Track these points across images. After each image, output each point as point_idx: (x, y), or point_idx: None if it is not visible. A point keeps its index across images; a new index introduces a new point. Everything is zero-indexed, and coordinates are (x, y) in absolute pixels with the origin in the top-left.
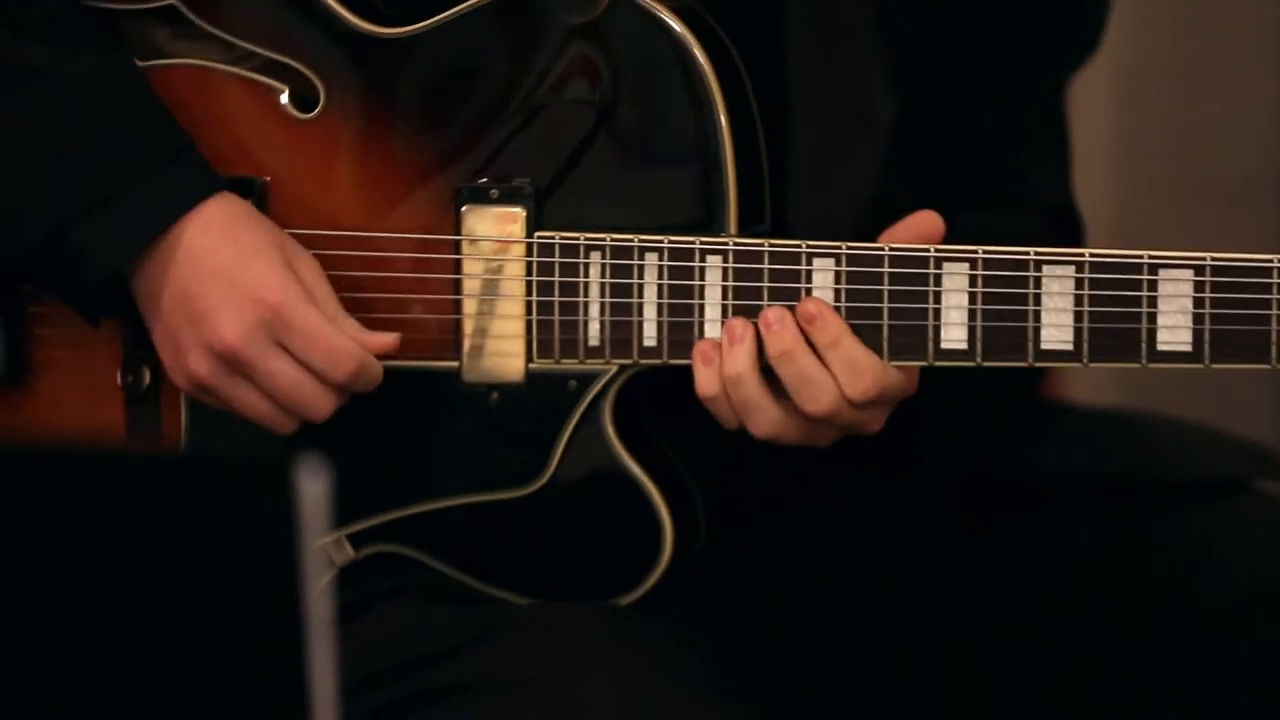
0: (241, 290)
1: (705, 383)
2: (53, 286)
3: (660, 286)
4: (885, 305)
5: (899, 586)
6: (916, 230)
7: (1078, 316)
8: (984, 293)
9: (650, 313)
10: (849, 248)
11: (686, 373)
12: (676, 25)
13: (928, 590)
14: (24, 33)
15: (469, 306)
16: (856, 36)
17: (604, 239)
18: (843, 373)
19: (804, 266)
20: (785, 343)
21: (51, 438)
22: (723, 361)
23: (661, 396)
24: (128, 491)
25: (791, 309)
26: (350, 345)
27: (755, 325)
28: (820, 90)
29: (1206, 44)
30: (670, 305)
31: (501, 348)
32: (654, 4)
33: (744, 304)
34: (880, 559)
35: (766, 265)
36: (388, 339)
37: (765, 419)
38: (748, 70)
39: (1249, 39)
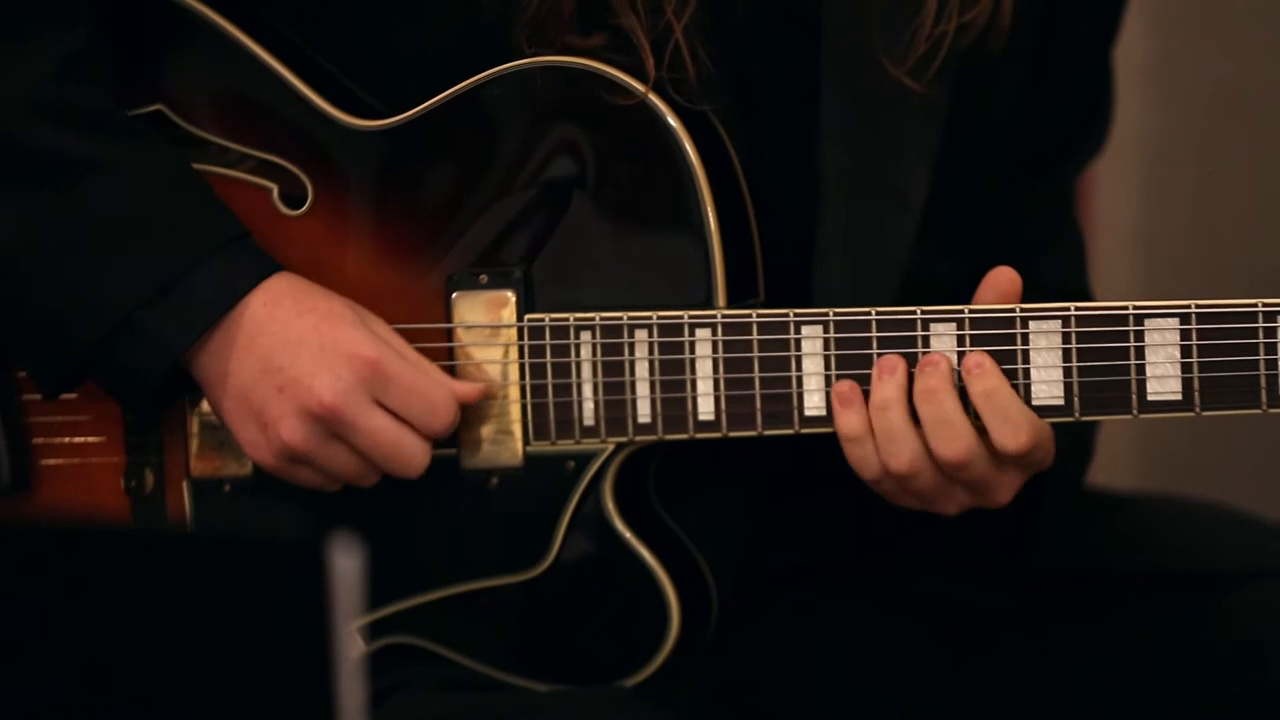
0: (333, 351)
1: (848, 424)
2: (111, 377)
3: (652, 363)
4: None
5: (919, 664)
6: (996, 289)
7: (1067, 371)
8: (972, 351)
9: (643, 389)
10: (836, 314)
11: (693, 446)
12: (666, 113)
13: (949, 671)
14: (74, 127)
15: None
16: (893, 116)
17: (593, 318)
18: (999, 423)
19: (792, 335)
20: (933, 380)
21: (87, 517)
22: (872, 389)
23: (671, 472)
24: (163, 569)
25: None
26: (447, 394)
27: (907, 363)
28: (853, 167)
29: (1233, 132)
30: (663, 381)
31: (498, 432)
32: (609, 69)
33: (736, 375)
34: (899, 637)
35: (756, 336)
36: (474, 389)
37: (906, 451)
38: (782, 149)
39: (1275, 130)
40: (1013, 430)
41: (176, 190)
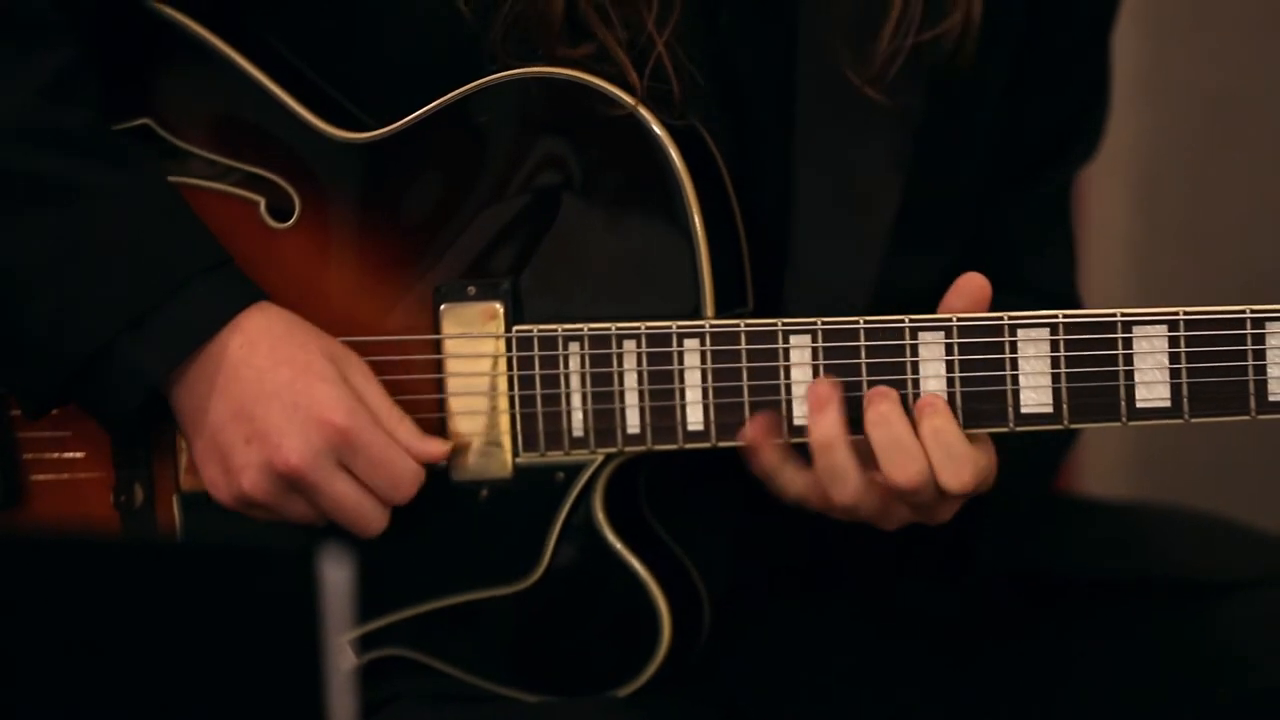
0: (305, 413)
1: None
2: (89, 404)
3: (640, 373)
4: (864, 379)
5: (911, 672)
6: (966, 296)
7: (1055, 379)
8: (961, 360)
9: (632, 400)
10: (824, 323)
11: (683, 456)
12: (652, 123)
13: (940, 677)
14: (57, 150)
15: (453, 405)
16: (866, 124)
17: (581, 329)
18: (944, 461)
19: (780, 345)
20: (883, 406)
21: (79, 528)
22: (810, 426)
23: (661, 482)
24: (153, 580)
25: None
26: (413, 468)
27: (839, 386)
28: (826, 175)
29: (1223, 139)
30: (651, 391)
31: (487, 444)
32: (600, 82)
33: (724, 385)
34: (891, 643)
35: (744, 346)
36: (442, 448)
37: (850, 487)
38: (753, 153)
39: (1266, 136)
40: (956, 468)
41: (158, 216)
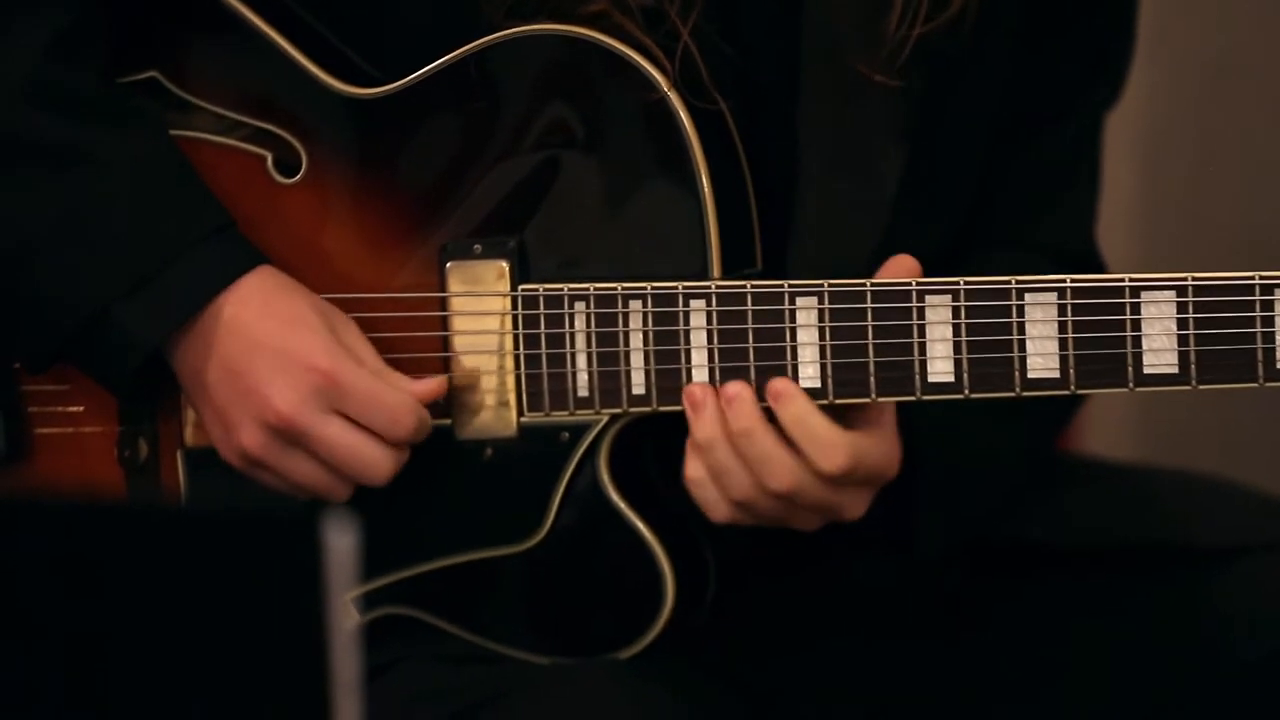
0: (289, 359)
1: (694, 470)
2: (87, 366)
3: (646, 334)
4: (870, 341)
5: (917, 639)
6: (894, 275)
7: (1063, 344)
8: (968, 324)
9: (637, 360)
10: (831, 285)
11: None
12: (662, 83)
13: (941, 646)
14: (60, 112)
15: (458, 363)
16: (869, 92)
17: (588, 289)
18: (811, 448)
19: (787, 306)
20: (743, 422)
21: (84, 491)
22: (692, 428)
23: (667, 443)
24: (156, 545)
25: (753, 386)
26: (409, 400)
27: (714, 390)
28: (829, 142)
29: (1229, 104)
30: (657, 352)
31: (492, 403)
32: (634, 56)
33: (730, 346)
34: (894, 613)
35: (750, 307)
36: (436, 384)
37: (739, 483)
38: (760, 124)
39: (1273, 99)
40: (826, 453)
41: (161, 180)
